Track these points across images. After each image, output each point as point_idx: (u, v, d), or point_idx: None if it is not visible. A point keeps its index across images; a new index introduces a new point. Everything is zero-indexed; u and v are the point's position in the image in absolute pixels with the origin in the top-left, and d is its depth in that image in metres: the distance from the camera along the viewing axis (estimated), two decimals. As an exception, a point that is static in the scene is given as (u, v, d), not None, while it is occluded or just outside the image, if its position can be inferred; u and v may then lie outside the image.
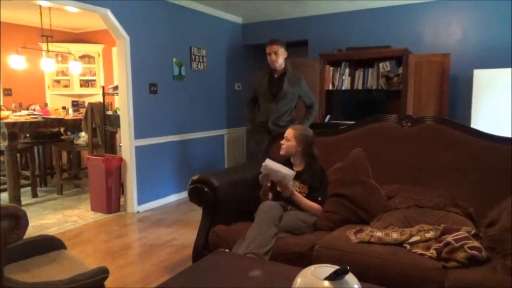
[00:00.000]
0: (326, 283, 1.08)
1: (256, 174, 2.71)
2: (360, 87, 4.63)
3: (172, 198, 4.79)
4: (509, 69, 3.81)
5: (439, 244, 1.81)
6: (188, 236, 3.49)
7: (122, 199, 4.40)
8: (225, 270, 1.66)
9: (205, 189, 2.39)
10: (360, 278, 1.16)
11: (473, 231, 1.89)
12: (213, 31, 5.34)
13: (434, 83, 4.18)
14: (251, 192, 2.57)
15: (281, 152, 2.59)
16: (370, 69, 4.56)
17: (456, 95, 4.40)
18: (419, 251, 1.84)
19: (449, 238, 1.78)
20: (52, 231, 3.62)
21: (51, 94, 6.79)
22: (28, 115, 4.98)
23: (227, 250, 2.04)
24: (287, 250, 2.07)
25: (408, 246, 1.90)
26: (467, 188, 2.30)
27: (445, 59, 4.13)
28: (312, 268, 1.17)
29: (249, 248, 2.00)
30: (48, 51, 5.45)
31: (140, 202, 4.37)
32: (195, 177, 2.48)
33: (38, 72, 6.35)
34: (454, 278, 1.66)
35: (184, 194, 4.75)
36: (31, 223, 3.58)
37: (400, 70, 4.37)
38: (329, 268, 1.14)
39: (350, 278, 1.11)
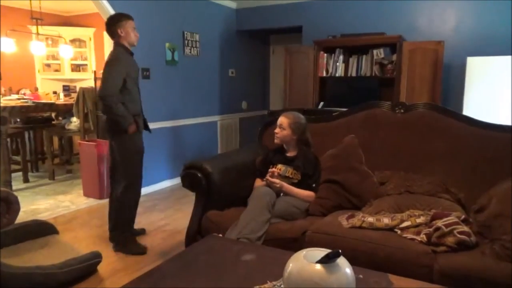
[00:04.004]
0: (318, 266, 1.09)
1: (249, 160, 2.72)
2: (354, 74, 4.62)
3: (165, 184, 4.78)
4: (501, 57, 3.83)
5: (429, 229, 1.83)
6: (181, 222, 3.51)
7: (114, 185, 4.38)
8: (218, 254, 1.67)
9: (198, 175, 2.38)
10: (352, 262, 1.17)
11: (463, 217, 1.92)
12: (207, 16, 5.27)
13: (427, 71, 4.19)
14: (244, 177, 2.58)
15: (276, 141, 2.58)
16: (364, 56, 4.54)
17: (449, 82, 4.41)
18: (409, 236, 1.87)
19: (439, 223, 1.81)
20: (44, 216, 3.60)
21: (41, 78, 6.69)
22: (19, 99, 4.92)
23: (220, 235, 2.05)
24: (280, 235, 2.08)
25: (399, 231, 1.92)
26: (458, 175, 2.32)
27: (438, 47, 4.13)
28: (304, 251, 1.18)
29: (242, 233, 2.01)
30: (38, 34, 5.35)
31: (132, 188, 4.36)
32: (188, 163, 2.48)
33: (28, 56, 6.23)
34: (444, 262, 1.69)
35: (177, 180, 4.74)
36: (23, 208, 3.55)
37: (394, 57, 4.37)
38: (321, 252, 1.15)
39: (342, 261, 1.12)
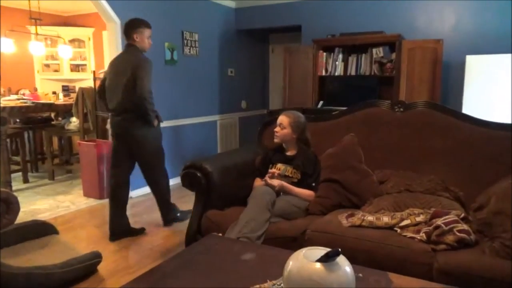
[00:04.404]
0: (318, 265, 1.09)
1: (249, 159, 2.72)
2: (353, 73, 4.62)
3: (165, 183, 4.77)
4: (500, 55, 3.83)
5: (429, 228, 1.83)
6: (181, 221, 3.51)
7: (114, 185, 4.38)
8: (218, 254, 1.68)
9: (198, 174, 2.38)
10: (351, 261, 1.17)
11: (462, 215, 1.92)
12: (206, 15, 5.26)
13: (426, 69, 4.19)
14: (244, 177, 2.58)
15: (275, 140, 2.58)
16: (363, 55, 4.54)
17: (448, 81, 4.41)
18: (409, 234, 1.87)
19: (439, 221, 1.81)
20: (44, 217, 3.61)
21: (41, 78, 6.69)
22: (18, 99, 4.92)
23: (220, 234, 2.05)
24: (280, 235, 2.08)
25: (398, 230, 1.92)
26: (457, 173, 2.32)
27: (438, 45, 4.12)
28: (303, 250, 1.18)
29: (242, 232, 2.01)
30: (37, 34, 5.34)
31: (133, 188, 4.31)
32: (187, 163, 2.48)
33: (27, 56, 6.23)
34: (443, 260, 1.70)
35: (177, 180, 4.72)
36: (23, 209, 3.55)
37: (393, 56, 4.37)
38: (321, 251, 1.15)
39: (341, 260, 1.12)
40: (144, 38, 3.08)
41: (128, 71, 2.94)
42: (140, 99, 2.93)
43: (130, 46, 3.07)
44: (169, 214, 3.44)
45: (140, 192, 4.42)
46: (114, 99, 3.06)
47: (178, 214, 3.50)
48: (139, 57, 3.02)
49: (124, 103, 3.00)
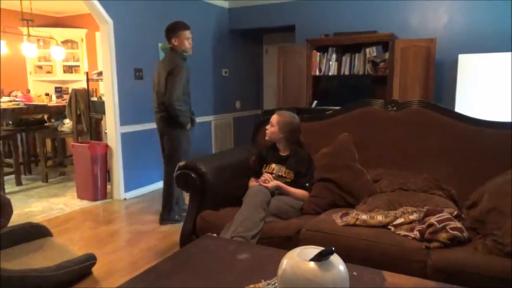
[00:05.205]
0: (312, 264, 1.10)
1: (243, 159, 2.72)
2: (346, 73, 4.64)
3: (160, 184, 4.73)
4: (492, 54, 3.86)
5: (422, 226, 1.85)
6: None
7: (108, 187, 4.36)
8: (213, 254, 1.68)
9: (192, 175, 2.38)
10: (346, 259, 1.17)
11: (455, 213, 1.94)
12: (199, 15, 5.26)
13: (420, 68, 4.22)
14: (238, 177, 2.58)
15: (266, 138, 2.60)
16: (357, 55, 4.56)
17: (441, 80, 4.45)
18: (403, 232, 1.88)
19: (432, 219, 1.82)
20: (38, 219, 3.58)
21: (33, 80, 6.64)
22: (10, 101, 4.89)
23: (214, 235, 2.05)
24: (274, 234, 2.09)
25: (392, 228, 1.93)
26: (450, 171, 2.34)
27: (431, 44, 4.15)
28: (298, 249, 1.18)
29: (237, 231, 2.01)
30: (29, 35, 5.31)
31: (127, 189, 4.35)
32: (181, 163, 2.47)
33: (19, 58, 6.18)
34: (437, 258, 1.71)
35: (171, 181, 4.73)
36: (16, 211, 3.53)
37: (387, 56, 4.39)
38: (315, 250, 1.15)
39: (335, 258, 1.13)
40: (183, 40, 3.23)
41: (163, 76, 3.15)
42: (170, 106, 3.15)
43: (171, 49, 3.27)
44: (169, 213, 3.51)
45: (134, 194, 4.41)
46: (156, 98, 3.32)
47: (176, 217, 3.52)
48: (175, 63, 3.16)
49: (160, 103, 3.26)
